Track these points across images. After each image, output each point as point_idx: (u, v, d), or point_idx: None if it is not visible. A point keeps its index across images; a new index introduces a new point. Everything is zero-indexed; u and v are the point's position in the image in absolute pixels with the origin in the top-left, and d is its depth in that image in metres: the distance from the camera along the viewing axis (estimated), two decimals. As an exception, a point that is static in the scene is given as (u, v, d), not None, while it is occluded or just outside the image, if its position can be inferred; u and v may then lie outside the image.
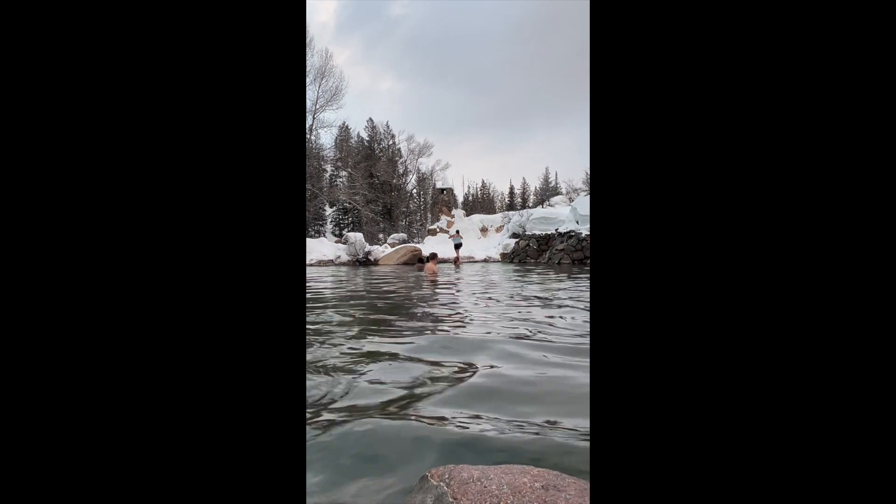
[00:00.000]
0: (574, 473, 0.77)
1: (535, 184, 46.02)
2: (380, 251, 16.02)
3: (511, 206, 40.29)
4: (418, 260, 13.85)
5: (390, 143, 34.31)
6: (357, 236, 15.71)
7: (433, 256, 8.27)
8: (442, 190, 30.11)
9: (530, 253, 15.38)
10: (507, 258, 16.44)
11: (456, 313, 3.29)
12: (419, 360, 1.86)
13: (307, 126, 23.47)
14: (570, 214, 14.74)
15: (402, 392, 1.46)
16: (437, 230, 24.46)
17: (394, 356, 1.95)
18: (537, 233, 15.47)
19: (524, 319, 2.94)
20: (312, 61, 23.26)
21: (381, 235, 27.01)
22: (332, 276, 6.74)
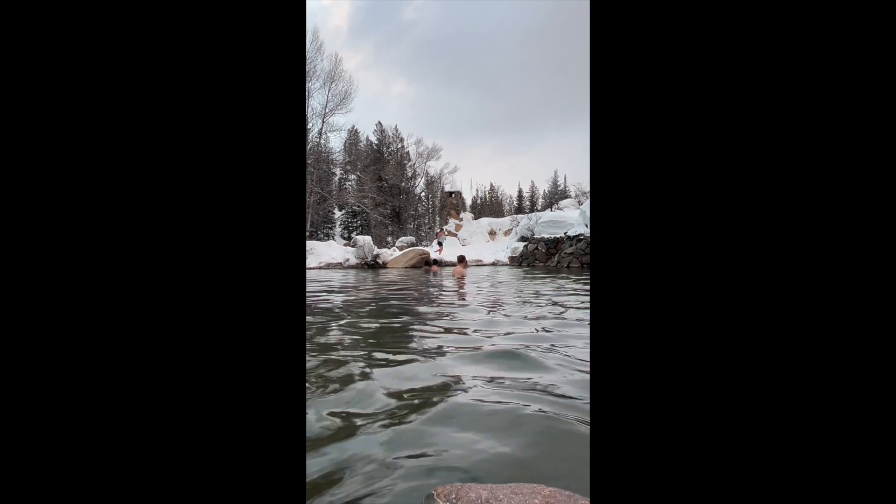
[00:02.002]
0: (584, 491, 0.74)
1: (543, 187, 45.89)
2: (388, 254, 16.07)
3: (520, 210, 40.24)
4: (425, 263, 13.90)
5: (399, 146, 34.50)
6: (365, 239, 15.77)
7: (461, 259, 8.30)
8: (450, 193, 30.16)
9: (539, 256, 15.31)
10: (515, 262, 16.39)
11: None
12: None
13: (317, 130, 23.66)
14: (580, 217, 14.66)
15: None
16: (446, 233, 24.48)
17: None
18: (546, 236, 15.41)
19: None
20: (322, 66, 23.46)
21: (389, 238, 27.12)
22: (342, 289, 6.09)
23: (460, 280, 7.51)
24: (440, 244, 18.69)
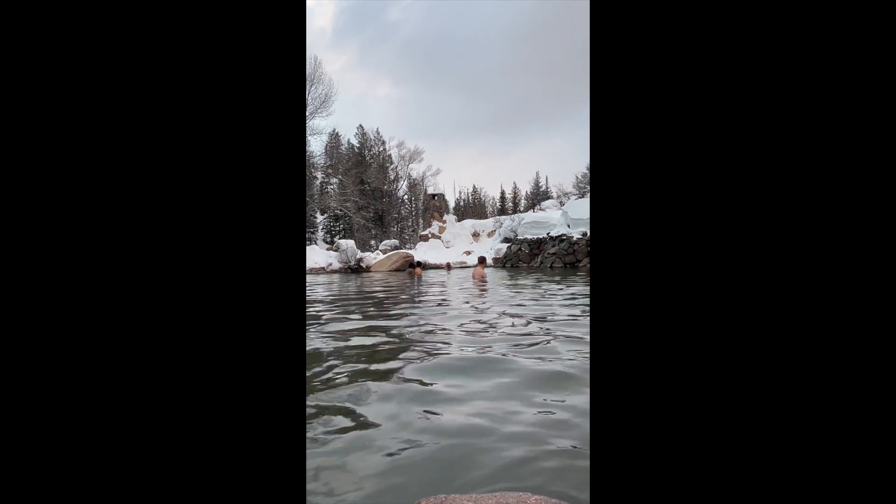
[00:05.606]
0: (569, 499, 0.75)
1: (526, 188, 46.13)
2: (372, 258, 15.96)
3: (503, 211, 40.32)
4: (409, 265, 13.86)
5: (381, 149, 34.29)
6: (349, 243, 15.63)
7: (482, 261, 7.84)
8: (433, 195, 30.13)
9: (522, 257, 15.42)
10: (499, 263, 16.46)
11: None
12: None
13: (297, 133, 23.32)
14: (562, 218, 14.82)
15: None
16: (430, 236, 24.43)
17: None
18: (529, 237, 15.53)
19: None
20: (301, 69, 23.13)
21: (372, 242, 26.92)
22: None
23: (481, 282, 6.83)
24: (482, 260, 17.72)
